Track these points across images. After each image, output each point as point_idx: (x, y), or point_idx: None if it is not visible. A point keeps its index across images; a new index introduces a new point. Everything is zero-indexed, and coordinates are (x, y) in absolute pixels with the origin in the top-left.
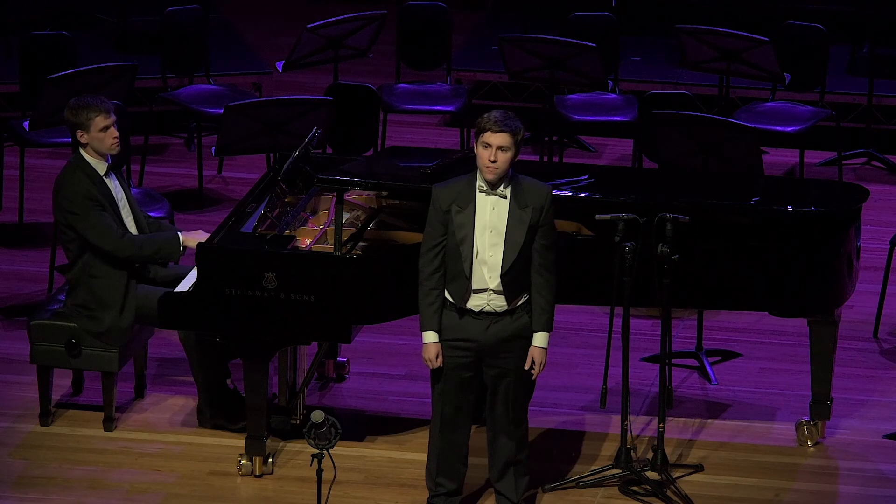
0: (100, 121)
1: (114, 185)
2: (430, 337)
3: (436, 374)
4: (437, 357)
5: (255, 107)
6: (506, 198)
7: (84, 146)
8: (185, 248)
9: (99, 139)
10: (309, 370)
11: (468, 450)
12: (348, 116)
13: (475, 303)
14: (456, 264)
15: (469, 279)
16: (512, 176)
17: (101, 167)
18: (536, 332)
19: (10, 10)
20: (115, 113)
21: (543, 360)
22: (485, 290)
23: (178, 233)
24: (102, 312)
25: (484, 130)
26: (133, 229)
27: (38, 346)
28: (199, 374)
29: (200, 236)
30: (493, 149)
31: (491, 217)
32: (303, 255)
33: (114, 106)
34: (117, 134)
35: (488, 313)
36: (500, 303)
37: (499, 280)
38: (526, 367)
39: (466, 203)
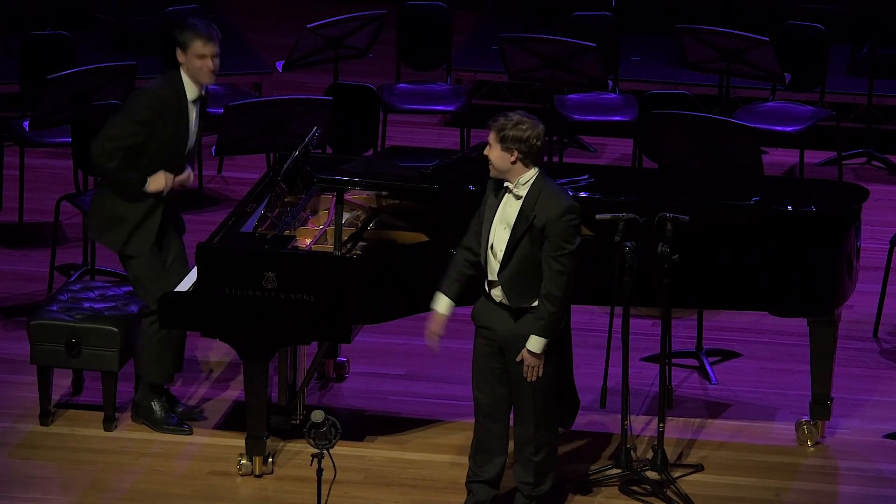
0: (198, 46)
1: (194, 115)
2: (440, 304)
3: (474, 361)
4: (435, 331)
5: (255, 107)
6: (519, 199)
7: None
8: (148, 188)
9: (192, 64)
10: (309, 370)
11: (507, 441)
12: (348, 116)
13: (494, 292)
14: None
15: (485, 266)
16: (536, 179)
17: (192, 91)
18: (530, 334)
19: (11, 10)
20: (219, 45)
21: (533, 364)
22: (496, 283)
23: (147, 178)
24: (120, 225)
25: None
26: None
27: (38, 346)
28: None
29: (163, 180)
30: (488, 146)
31: (507, 213)
32: (303, 255)
33: (219, 37)
34: (212, 66)
35: (506, 306)
36: (507, 299)
37: (497, 275)
38: (517, 360)
39: (497, 194)
